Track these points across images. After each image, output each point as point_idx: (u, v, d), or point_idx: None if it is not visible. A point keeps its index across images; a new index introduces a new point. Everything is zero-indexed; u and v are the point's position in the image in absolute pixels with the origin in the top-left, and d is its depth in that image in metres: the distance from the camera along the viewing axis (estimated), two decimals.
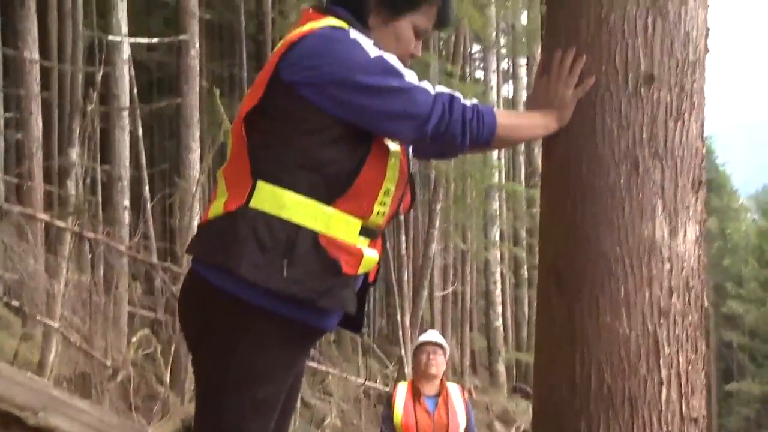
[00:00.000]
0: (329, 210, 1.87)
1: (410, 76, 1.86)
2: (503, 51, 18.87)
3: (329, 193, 1.87)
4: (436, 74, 13.45)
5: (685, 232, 1.91)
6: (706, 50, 1.93)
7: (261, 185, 1.87)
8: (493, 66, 17.96)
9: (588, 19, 1.91)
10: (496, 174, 16.56)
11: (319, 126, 1.86)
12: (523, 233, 19.82)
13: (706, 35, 1.93)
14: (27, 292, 6.67)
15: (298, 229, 1.84)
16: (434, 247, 14.16)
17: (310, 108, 1.85)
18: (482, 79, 18.23)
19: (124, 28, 8.85)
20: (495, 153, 16.73)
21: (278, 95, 1.87)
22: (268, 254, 1.82)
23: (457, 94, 1.89)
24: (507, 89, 20.72)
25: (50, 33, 11.47)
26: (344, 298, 1.90)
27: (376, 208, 1.93)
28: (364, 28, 1.97)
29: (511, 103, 19.44)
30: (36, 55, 8.79)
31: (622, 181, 1.89)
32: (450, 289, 18.23)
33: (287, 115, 1.87)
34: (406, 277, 14.70)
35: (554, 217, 2.01)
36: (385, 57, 1.87)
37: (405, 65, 1.95)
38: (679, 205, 1.90)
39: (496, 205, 17.76)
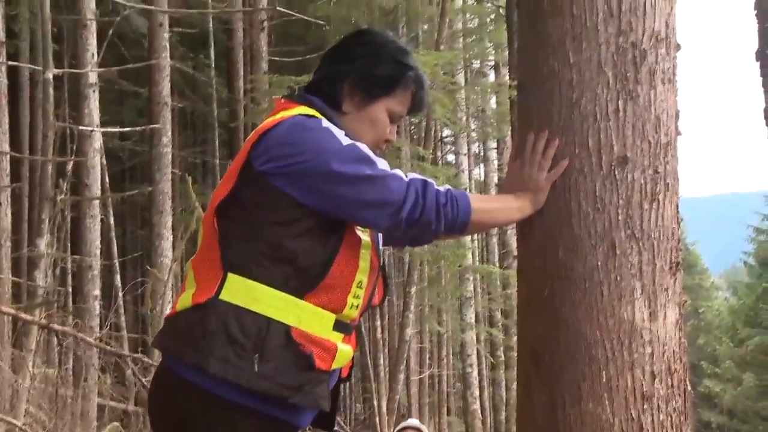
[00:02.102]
0: (302, 303, 1.82)
1: (382, 164, 1.84)
2: (474, 134, 19.14)
3: (301, 285, 1.82)
4: (408, 158, 13.58)
5: (665, 314, 1.88)
6: (678, 132, 1.95)
7: (232, 277, 1.82)
8: (464, 149, 18.18)
9: (560, 103, 1.92)
10: (470, 256, 16.57)
11: (290, 217, 1.83)
12: (499, 314, 19.75)
13: (677, 117, 1.95)
14: None
15: (269, 322, 1.79)
16: (410, 331, 14.03)
17: (282, 197, 1.82)
18: (454, 162, 18.44)
19: (96, 119, 8.87)
20: (468, 236, 16.80)
21: (250, 185, 1.84)
22: (239, 349, 1.76)
23: (430, 180, 1.87)
24: (478, 172, 20.95)
25: (21, 124, 11.48)
26: (317, 395, 1.83)
27: (350, 300, 1.88)
28: (339, 113, 1.96)
29: (483, 185, 19.62)
30: (6, 147, 8.77)
31: (599, 263, 1.88)
32: (426, 373, 18.02)
33: (259, 204, 1.84)
34: (382, 362, 14.52)
35: (532, 302, 1.98)
36: (357, 145, 1.85)
37: (380, 150, 1.96)
38: (658, 288, 1.88)
39: (470, 286, 17.74)
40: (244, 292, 1.81)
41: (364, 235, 1.92)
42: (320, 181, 1.80)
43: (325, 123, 1.87)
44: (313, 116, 1.90)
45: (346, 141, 1.85)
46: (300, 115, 1.90)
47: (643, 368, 1.86)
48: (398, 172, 1.86)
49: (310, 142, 1.82)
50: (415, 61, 2.05)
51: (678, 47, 1.96)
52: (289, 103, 1.98)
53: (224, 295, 1.81)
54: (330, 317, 1.86)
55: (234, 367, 1.76)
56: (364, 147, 1.86)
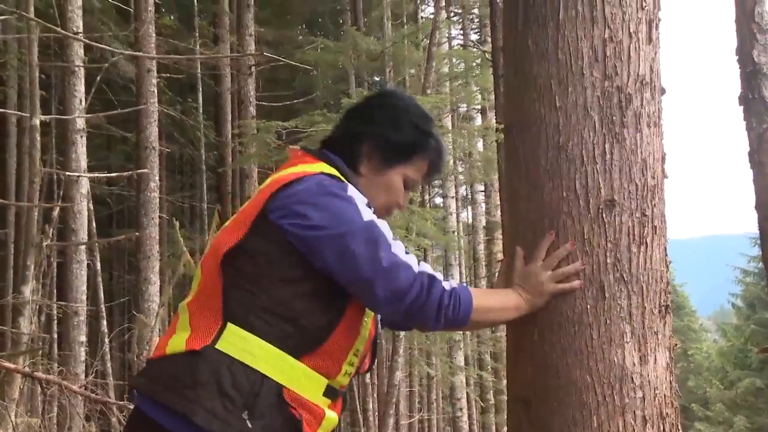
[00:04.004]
0: (297, 364, 1.77)
1: (398, 248, 1.80)
2: (461, 177, 19.23)
3: (299, 346, 1.77)
4: None
5: (656, 358, 1.87)
6: (664, 175, 1.96)
7: (231, 327, 1.76)
8: (452, 192, 18.25)
9: (546, 147, 1.93)
10: None
11: (298, 275, 1.78)
12: (488, 357, 19.65)
13: (663, 160, 1.96)
14: None
15: (263, 379, 1.73)
16: (399, 374, 13.92)
17: (293, 254, 1.78)
18: (442, 204, 18.50)
19: (84, 164, 8.87)
20: (457, 277, 16.77)
21: (261, 235, 1.80)
22: (228, 402, 1.70)
23: (439, 275, 1.82)
24: (466, 214, 21.01)
25: (8, 171, 11.46)
26: None
27: (345, 367, 1.85)
28: (355, 174, 1.95)
29: (470, 228, 19.67)
30: None
31: (588, 307, 1.87)
32: (416, 417, 17.85)
33: (268, 257, 1.79)
34: (371, 406, 14.37)
35: (521, 346, 1.96)
36: (376, 223, 1.80)
37: (389, 215, 1.97)
38: (648, 331, 1.87)
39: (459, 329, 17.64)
40: (241, 345, 1.75)
41: (366, 308, 1.90)
42: (333, 252, 1.76)
43: (351, 190, 1.84)
44: (337, 178, 1.86)
45: (367, 215, 1.81)
46: (324, 174, 1.86)
47: (635, 413, 1.84)
48: (410, 259, 1.80)
49: (333, 210, 1.78)
50: (437, 128, 2.06)
51: (663, 91, 1.98)
52: (308, 157, 1.95)
53: (221, 345, 1.76)
54: (322, 381, 1.82)
55: (221, 422, 1.69)
56: (383, 225, 1.82)
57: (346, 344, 1.83)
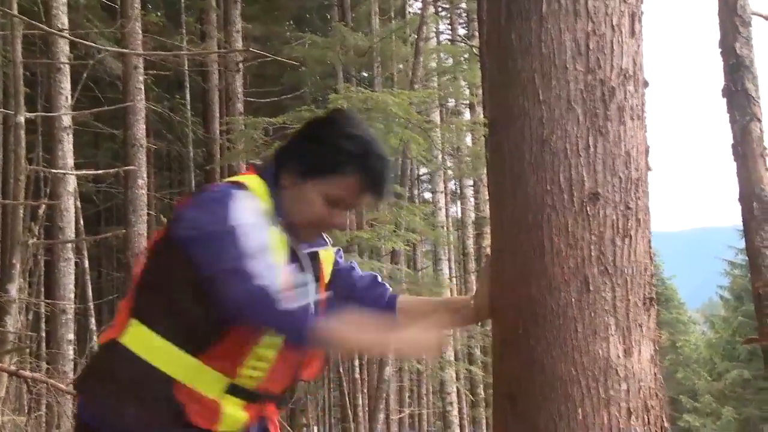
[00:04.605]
0: (192, 361, 1.85)
1: (260, 258, 1.76)
2: (450, 172, 19.25)
3: (195, 345, 1.86)
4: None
5: (640, 350, 1.88)
6: (648, 168, 1.96)
7: (134, 323, 1.89)
8: (441, 187, 18.27)
9: (531, 140, 1.93)
10: (448, 293, 16.55)
11: (191, 277, 1.82)
12: (478, 352, 19.69)
13: (647, 153, 1.96)
14: None
15: (156, 372, 1.84)
16: (389, 370, 13.93)
17: (185, 255, 1.83)
18: (431, 199, 18.50)
19: (70, 162, 8.83)
20: (446, 272, 16.80)
21: (166, 240, 1.91)
22: (123, 392, 1.84)
23: (297, 295, 1.78)
24: (455, 209, 21.02)
25: None
26: None
27: (246, 371, 1.89)
28: (278, 187, 1.97)
29: (460, 223, 19.69)
30: None
31: (573, 300, 1.87)
32: (407, 412, 17.87)
33: (170, 260, 1.88)
34: (361, 402, 14.37)
35: (507, 340, 1.97)
36: (246, 229, 1.79)
37: (323, 231, 2.00)
38: (632, 324, 1.88)
39: None
40: (141, 340, 1.87)
41: None
42: (198, 249, 1.82)
43: (240, 196, 1.85)
44: (237, 185, 1.90)
45: (242, 219, 1.80)
46: (232, 183, 1.93)
47: (619, 405, 1.84)
48: (266, 272, 1.75)
49: (208, 211, 1.83)
50: (374, 149, 1.97)
51: (646, 84, 1.98)
52: (250, 170, 2.03)
53: (124, 339, 1.89)
54: (223, 380, 1.88)
55: (114, 411, 1.84)
56: (256, 234, 1.80)
57: (239, 349, 1.87)
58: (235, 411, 1.90)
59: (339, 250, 2.24)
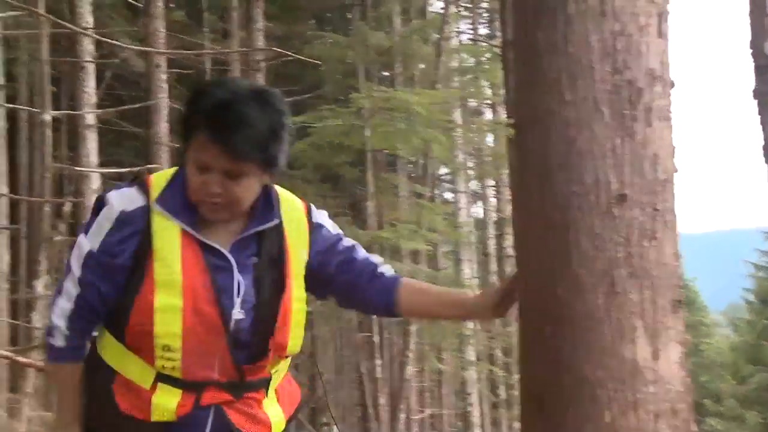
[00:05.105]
0: (122, 348, 1.94)
1: (66, 282, 1.96)
2: (471, 173, 19.20)
3: (114, 327, 1.95)
4: (406, 196, 13.59)
5: (668, 353, 1.86)
6: (675, 169, 1.94)
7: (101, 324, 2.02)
8: (462, 187, 18.23)
9: (557, 141, 1.92)
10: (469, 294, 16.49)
11: None
12: (500, 352, 19.62)
13: (673, 154, 1.95)
14: None
15: (102, 365, 1.96)
16: (410, 370, 13.93)
17: None
18: (452, 200, 18.47)
19: (95, 159, 8.89)
20: (467, 272, 16.76)
21: None
22: (85, 388, 1.98)
23: (60, 328, 1.96)
24: (476, 210, 20.97)
25: (19, 166, 11.51)
26: None
27: (159, 362, 1.90)
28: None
29: (481, 223, 19.64)
30: (4, 189, 8.77)
31: (599, 302, 1.86)
32: (428, 412, 17.84)
33: None
34: (382, 402, 14.37)
35: (533, 342, 1.96)
36: (76, 252, 1.96)
37: (212, 204, 1.91)
38: (660, 326, 1.86)
39: (470, 324, 17.63)
40: (100, 336, 2.00)
41: (170, 298, 1.88)
42: None
43: (106, 208, 1.93)
44: (112, 194, 1.96)
45: (81, 241, 1.96)
46: (118, 188, 2.00)
47: (648, 408, 1.83)
48: (60, 321, 1.96)
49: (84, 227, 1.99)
50: (210, 99, 1.88)
51: (672, 84, 1.97)
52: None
53: (97, 338, 2.03)
54: (147, 368, 1.92)
55: (84, 407, 2.00)
56: (80, 252, 1.94)
57: (144, 339, 1.89)
58: (165, 400, 1.91)
59: (312, 213, 2.15)
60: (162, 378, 1.89)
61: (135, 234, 1.87)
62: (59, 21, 6.62)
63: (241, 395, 1.95)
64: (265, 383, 2.01)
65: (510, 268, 16.74)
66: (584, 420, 1.83)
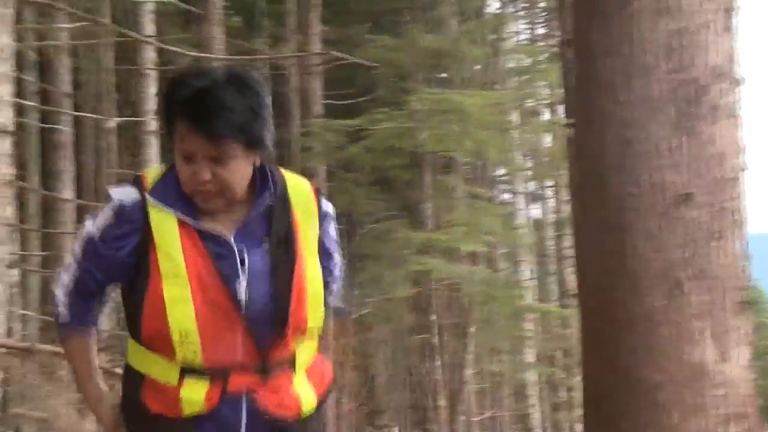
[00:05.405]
0: (143, 349, 1.93)
1: (65, 270, 2.00)
2: (529, 173, 19.03)
3: (136, 337, 1.94)
4: (463, 198, 13.54)
5: (736, 355, 1.82)
6: (743, 167, 1.90)
7: None
8: (520, 188, 18.08)
9: (612, 142, 1.89)
10: (528, 295, 16.37)
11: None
12: (559, 354, 19.39)
13: (741, 152, 1.90)
14: None
15: (130, 371, 1.96)
16: (469, 371, 13.87)
17: None
18: (509, 201, 18.34)
19: (155, 165, 9.07)
20: (526, 273, 16.62)
21: None
22: (122, 393, 2.00)
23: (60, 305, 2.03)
24: (535, 211, 20.77)
25: (86, 172, 11.78)
26: None
27: (180, 353, 1.88)
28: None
29: (539, 224, 19.45)
30: (72, 194, 9.00)
31: (659, 305, 1.82)
32: (487, 414, 17.73)
33: None
34: (441, 403, 14.34)
35: (592, 345, 1.94)
36: (77, 243, 1.98)
37: (203, 193, 1.89)
38: (726, 328, 1.82)
39: (530, 326, 17.47)
40: (127, 344, 2.00)
41: (178, 289, 1.88)
42: None
43: (109, 202, 1.95)
44: (113, 189, 1.99)
45: (80, 232, 1.98)
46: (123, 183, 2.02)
47: (715, 412, 1.79)
48: (60, 291, 2.02)
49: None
50: (177, 83, 1.87)
51: (742, 81, 1.92)
52: None
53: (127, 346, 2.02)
54: (169, 363, 1.90)
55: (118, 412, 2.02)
56: (83, 235, 1.97)
57: (161, 334, 1.88)
58: (193, 392, 1.89)
59: (321, 196, 2.09)
60: (187, 371, 1.88)
61: (135, 231, 1.90)
62: (123, 30, 6.76)
63: (268, 376, 1.95)
64: (291, 362, 2.01)
65: (569, 268, 16.54)
66: (644, 425, 1.80)
